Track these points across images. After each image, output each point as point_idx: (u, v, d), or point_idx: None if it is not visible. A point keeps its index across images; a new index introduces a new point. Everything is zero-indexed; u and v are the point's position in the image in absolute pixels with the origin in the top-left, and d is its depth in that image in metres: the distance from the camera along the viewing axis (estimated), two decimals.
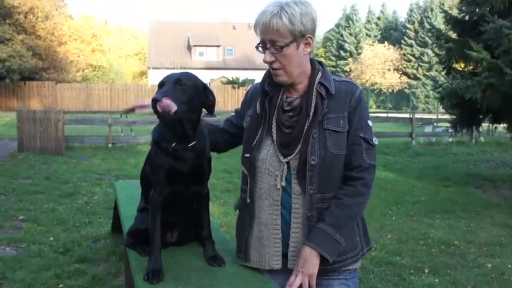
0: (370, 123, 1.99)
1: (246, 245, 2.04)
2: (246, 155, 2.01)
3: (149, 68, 42.78)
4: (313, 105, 1.93)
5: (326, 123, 1.92)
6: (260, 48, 1.93)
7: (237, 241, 2.13)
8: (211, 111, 2.08)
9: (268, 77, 2.02)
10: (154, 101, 1.83)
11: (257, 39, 1.93)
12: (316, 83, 1.96)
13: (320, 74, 1.98)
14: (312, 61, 2.00)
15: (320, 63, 2.03)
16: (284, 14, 1.82)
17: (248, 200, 2.01)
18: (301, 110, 1.94)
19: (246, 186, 2.02)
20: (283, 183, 1.93)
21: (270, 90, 1.99)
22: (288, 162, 1.93)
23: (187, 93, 1.94)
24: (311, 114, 1.92)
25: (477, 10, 9.83)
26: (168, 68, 36.87)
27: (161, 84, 1.95)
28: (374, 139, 1.98)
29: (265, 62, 1.91)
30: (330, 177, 1.92)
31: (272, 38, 1.86)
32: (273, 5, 1.85)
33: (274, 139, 1.95)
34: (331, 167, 1.91)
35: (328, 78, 1.98)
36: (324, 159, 1.89)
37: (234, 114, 2.28)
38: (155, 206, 2.07)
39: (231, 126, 2.26)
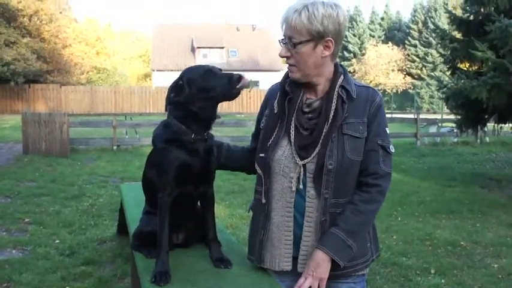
0: (388, 130, 1.98)
1: (260, 247, 2.02)
2: (261, 155, 1.99)
3: (153, 71, 42.83)
4: (333, 108, 1.91)
5: (345, 128, 1.90)
6: (281, 43, 1.93)
7: (250, 242, 2.11)
8: None
9: (289, 76, 2.00)
10: (241, 77, 1.97)
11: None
12: (338, 86, 1.94)
13: (342, 77, 1.96)
14: (335, 65, 1.98)
15: (342, 67, 2.01)
16: (304, 12, 1.82)
17: (264, 201, 1.99)
18: (320, 112, 1.93)
19: (261, 187, 2.00)
20: (301, 186, 1.92)
21: (290, 90, 1.97)
22: (304, 165, 1.92)
23: None
24: (331, 117, 1.90)
25: (482, 10, 9.81)
26: (172, 70, 36.88)
27: (210, 69, 2.08)
28: (391, 147, 1.97)
29: (280, 56, 1.94)
30: (346, 182, 1.91)
31: (289, 34, 1.87)
32: (301, 2, 1.86)
33: (292, 140, 1.93)
34: (348, 172, 1.90)
35: (350, 82, 1.96)
36: (341, 164, 1.88)
37: (255, 125, 2.19)
38: (164, 208, 2.07)
39: (256, 140, 2.12)
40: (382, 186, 1.93)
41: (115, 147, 14.20)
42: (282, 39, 1.92)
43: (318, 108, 1.94)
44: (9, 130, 19.71)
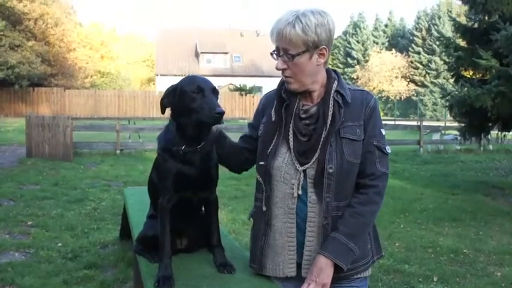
0: (383, 131, 2.00)
1: (262, 254, 2.03)
2: (261, 163, 2.00)
3: (157, 75, 42.93)
4: (330, 113, 1.93)
5: (343, 132, 1.92)
6: (274, 55, 1.94)
7: (251, 250, 2.12)
8: None
9: (284, 84, 2.01)
10: (222, 114, 1.91)
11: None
12: (333, 91, 1.96)
13: (336, 82, 1.99)
14: (327, 70, 2.01)
15: (335, 72, 2.04)
16: (298, 24, 1.83)
17: (264, 208, 2.00)
18: (318, 118, 1.95)
19: (261, 195, 2.01)
20: (300, 192, 1.93)
21: (287, 97, 1.99)
22: (304, 171, 1.93)
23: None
24: (328, 122, 1.92)
25: (486, 18, 9.81)
26: (175, 75, 36.84)
27: (201, 90, 1.98)
28: (387, 147, 1.98)
29: (277, 69, 1.93)
30: (346, 185, 1.93)
31: (285, 47, 1.88)
32: (290, 13, 1.87)
33: (291, 147, 1.95)
34: (348, 175, 1.92)
35: (345, 86, 1.99)
36: (341, 167, 1.89)
37: (248, 129, 2.22)
38: (164, 213, 2.09)
39: (248, 142, 2.16)
40: (379, 186, 1.95)
41: (118, 152, 14.22)
42: (276, 52, 1.92)
43: (315, 114, 1.96)
44: (13, 133, 19.78)
